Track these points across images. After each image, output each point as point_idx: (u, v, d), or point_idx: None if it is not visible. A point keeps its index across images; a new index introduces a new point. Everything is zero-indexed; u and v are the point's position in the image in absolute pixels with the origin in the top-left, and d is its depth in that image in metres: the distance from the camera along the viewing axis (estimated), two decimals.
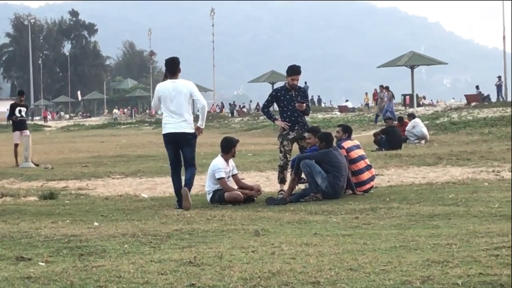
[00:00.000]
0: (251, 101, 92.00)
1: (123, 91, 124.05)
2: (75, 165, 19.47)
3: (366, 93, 60.27)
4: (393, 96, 36.26)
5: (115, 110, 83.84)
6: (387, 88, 36.18)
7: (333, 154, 10.70)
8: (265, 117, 13.25)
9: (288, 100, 11.17)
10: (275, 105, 11.79)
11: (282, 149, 11.20)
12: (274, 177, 13.05)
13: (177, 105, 10.14)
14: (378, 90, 40.96)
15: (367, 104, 58.66)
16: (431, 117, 37.06)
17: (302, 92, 11.31)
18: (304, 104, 11.08)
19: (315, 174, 10.56)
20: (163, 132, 10.40)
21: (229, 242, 6.76)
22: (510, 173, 13.42)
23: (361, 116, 46.94)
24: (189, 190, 10.18)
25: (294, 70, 11.19)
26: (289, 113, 11.18)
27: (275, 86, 47.99)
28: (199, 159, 19.32)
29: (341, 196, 10.73)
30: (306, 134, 11.16)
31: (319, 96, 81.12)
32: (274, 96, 11.32)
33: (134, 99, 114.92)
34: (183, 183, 10.18)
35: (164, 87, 10.25)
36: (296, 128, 11.19)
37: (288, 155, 11.16)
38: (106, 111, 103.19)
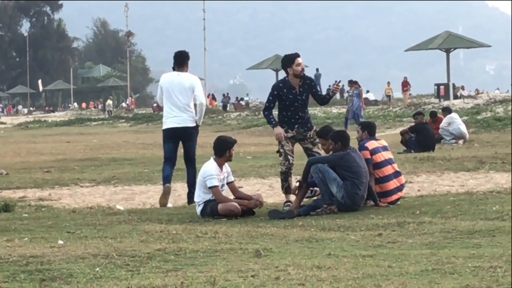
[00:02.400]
0: (247, 94, 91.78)
1: (94, 80, 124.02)
2: (35, 170, 19.48)
3: (389, 83, 60.24)
4: (361, 93, 35.64)
5: (109, 102, 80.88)
6: (356, 83, 35.72)
7: (351, 157, 10.70)
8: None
9: (291, 100, 11.20)
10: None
11: (281, 150, 11.16)
12: (279, 185, 13.05)
13: (179, 99, 11.92)
14: (349, 87, 39.77)
15: (388, 96, 58.73)
16: (471, 112, 37.09)
17: (308, 84, 11.32)
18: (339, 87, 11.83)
19: (329, 181, 10.56)
20: (163, 127, 12.14)
21: (223, 264, 6.77)
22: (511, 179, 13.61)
23: (385, 110, 47.04)
24: (191, 200, 11.61)
25: (290, 57, 11.24)
26: (289, 113, 11.21)
27: (280, 74, 47.90)
28: None
29: (361, 208, 10.75)
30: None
31: (343, 86, 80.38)
32: (276, 95, 11.33)
33: (108, 89, 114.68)
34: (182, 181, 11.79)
35: (168, 79, 12.13)
36: (296, 126, 11.18)
37: (290, 157, 11.11)
38: (75, 104, 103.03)
